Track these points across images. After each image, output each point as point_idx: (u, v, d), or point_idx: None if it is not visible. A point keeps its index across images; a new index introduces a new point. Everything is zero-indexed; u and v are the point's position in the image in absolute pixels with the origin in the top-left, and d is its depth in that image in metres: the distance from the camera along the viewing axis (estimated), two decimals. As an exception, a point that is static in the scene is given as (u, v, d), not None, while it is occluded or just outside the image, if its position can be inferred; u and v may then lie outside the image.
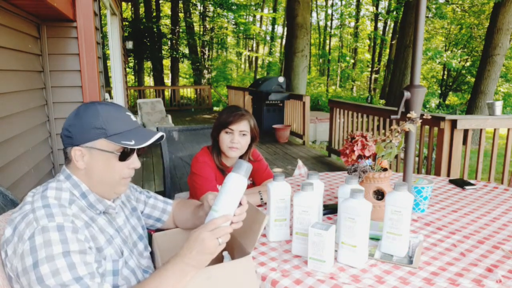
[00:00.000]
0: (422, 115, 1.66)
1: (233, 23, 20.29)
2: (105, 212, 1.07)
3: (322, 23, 25.99)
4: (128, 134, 1.03)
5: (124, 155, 1.03)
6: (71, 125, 1.01)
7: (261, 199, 1.72)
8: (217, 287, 0.99)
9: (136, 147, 1.02)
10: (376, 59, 22.29)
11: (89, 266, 0.88)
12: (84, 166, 1.02)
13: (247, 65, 29.82)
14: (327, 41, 26.05)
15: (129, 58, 15.83)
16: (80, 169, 1.02)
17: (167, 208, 1.33)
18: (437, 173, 3.52)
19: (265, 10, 26.00)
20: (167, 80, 21.34)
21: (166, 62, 20.26)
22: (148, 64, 20.28)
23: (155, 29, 16.47)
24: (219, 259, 1.10)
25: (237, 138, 1.76)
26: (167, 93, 14.41)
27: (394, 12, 16.57)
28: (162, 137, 1.08)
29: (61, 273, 0.84)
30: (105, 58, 9.36)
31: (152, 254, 1.22)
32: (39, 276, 0.83)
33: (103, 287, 0.88)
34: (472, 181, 2.05)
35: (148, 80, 23.35)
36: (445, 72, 19.73)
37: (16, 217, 0.92)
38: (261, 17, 26.17)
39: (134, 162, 1.07)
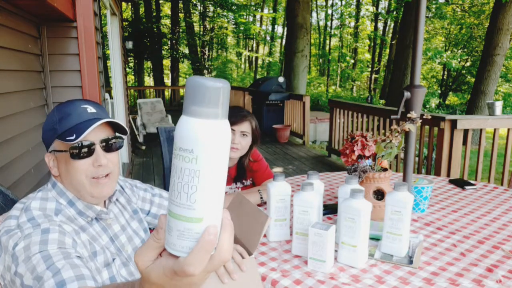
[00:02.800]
0: (422, 115, 1.66)
1: (233, 23, 20.30)
2: (98, 218, 1.02)
3: (322, 23, 25.99)
4: (76, 128, 0.93)
5: (76, 152, 0.93)
6: (42, 131, 0.99)
7: (261, 198, 1.72)
8: None
9: (75, 142, 0.91)
10: (376, 59, 22.29)
11: (63, 250, 0.83)
12: (58, 173, 0.98)
13: (247, 65, 29.82)
14: (327, 41, 26.03)
15: (129, 58, 15.84)
16: (57, 175, 0.99)
17: None
18: (437, 173, 3.52)
19: (265, 10, 26.01)
20: (167, 80, 21.34)
21: (166, 62, 20.26)
22: (148, 64, 20.29)
23: (155, 29, 16.48)
24: None
25: (238, 139, 1.76)
26: (167, 93, 14.42)
27: (394, 12, 16.57)
28: (123, 131, 0.99)
29: (37, 267, 0.78)
30: (105, 58, 9.34)
31: None
32: (22, 280, 0.79)
33: (74, 261, 0.80)
34: (472, 181, 2.05)
35: (148, 80, 23.34)
36: (445, 72, 19.72)
37: (0, 230, 0.87)
38: (261, 17, 26.18)
39: (98, 159, 0.95)
